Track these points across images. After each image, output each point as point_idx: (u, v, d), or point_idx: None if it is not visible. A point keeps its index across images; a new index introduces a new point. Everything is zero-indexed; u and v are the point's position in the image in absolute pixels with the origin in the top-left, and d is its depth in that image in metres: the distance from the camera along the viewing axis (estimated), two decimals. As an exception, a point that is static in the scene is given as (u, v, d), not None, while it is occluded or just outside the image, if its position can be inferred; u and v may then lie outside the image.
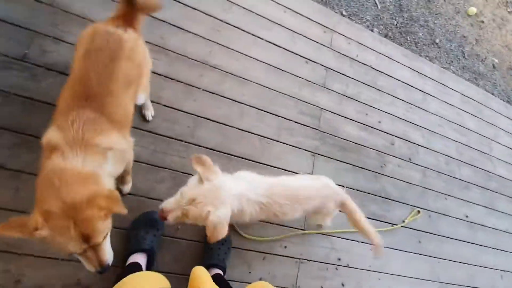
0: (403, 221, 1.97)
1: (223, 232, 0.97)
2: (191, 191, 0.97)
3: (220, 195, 0.99)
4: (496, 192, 2.49)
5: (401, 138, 2.23)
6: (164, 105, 1.56)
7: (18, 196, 1.23)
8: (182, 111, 1.59)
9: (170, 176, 1.47)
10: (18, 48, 1.34)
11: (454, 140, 2.45)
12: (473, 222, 2.27)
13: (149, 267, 1.24)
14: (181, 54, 1.66)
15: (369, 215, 1.90)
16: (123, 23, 1.04)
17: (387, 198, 2.01)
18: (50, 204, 0.78)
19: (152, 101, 1.51)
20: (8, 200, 1.21)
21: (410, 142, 2.26)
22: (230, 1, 1.89)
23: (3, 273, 1.16)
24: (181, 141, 1.55)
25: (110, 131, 0.94)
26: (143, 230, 1.29)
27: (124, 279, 0.98)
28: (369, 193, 1.95)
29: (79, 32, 1.02)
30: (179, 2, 1.74)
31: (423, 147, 2.30)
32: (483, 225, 2.31)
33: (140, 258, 1.24)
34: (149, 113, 1.47)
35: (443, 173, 2.30)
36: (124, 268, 1.19)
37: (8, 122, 1.26)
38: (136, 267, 1.18)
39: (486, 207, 2.39)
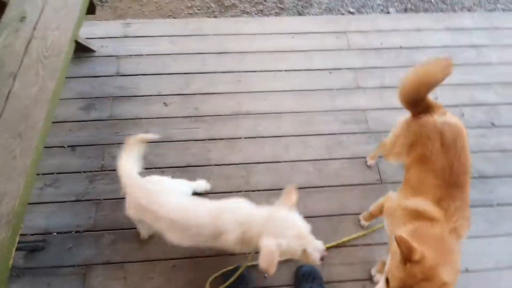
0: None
1: None
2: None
3: None
4: None
5: (469, 105, 1.94)
6: (215, 165, 1.69)
7: (127, 284, 1.42)
8: (232, 164, 1.70)
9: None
10: (97, 162, 1.66)
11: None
12: None
13: None
14: (215, 115, 1.82)
15: (472, 204, 1.63)
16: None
17: (483, 177, 1.71)
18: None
19: (202, 165, 1.67)
20: (121, 289, 1.41)
21: (484, 105, 1.95)
22: (242, 52, 2.05)
23: None
24: (240, 191, 1.62)
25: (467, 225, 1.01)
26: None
27: None
28: (457, 179, 1.69)
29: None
30: (201, 73, 1.96)
31: (502, 104, 1.95)
32: None
33: None
34: None
35: None
36: None
37: (104, 224, 1.52)
38: None
39: None
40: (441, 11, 2.49)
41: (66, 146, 1.68)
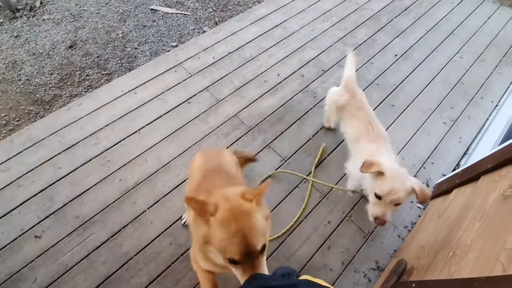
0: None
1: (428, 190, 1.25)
2: (384, 189, 1.24)
3: (401, 172, 1.29)
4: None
5: (301, 67, 2.34)
6: (136, 254, 1.48)
7: None
8: (154, 240, 1.52)
9: None
10: None
11: (328, 29, 2.65)
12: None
13: None
14: (103, 208, 1.60)
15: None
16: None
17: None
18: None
19: (122, 266, 1.44)
20: None
21: (310, 61, 2.39)
22: (91, 134, 1.87)
23: None
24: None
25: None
26: None
27: None
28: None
29: None
30: (60, 179, 1.68)
31: (321, 53, 2.44)
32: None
33: None
34: None
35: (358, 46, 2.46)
36: None
37: None
38: None
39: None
40: (241, 12, 2.92)
41: None
